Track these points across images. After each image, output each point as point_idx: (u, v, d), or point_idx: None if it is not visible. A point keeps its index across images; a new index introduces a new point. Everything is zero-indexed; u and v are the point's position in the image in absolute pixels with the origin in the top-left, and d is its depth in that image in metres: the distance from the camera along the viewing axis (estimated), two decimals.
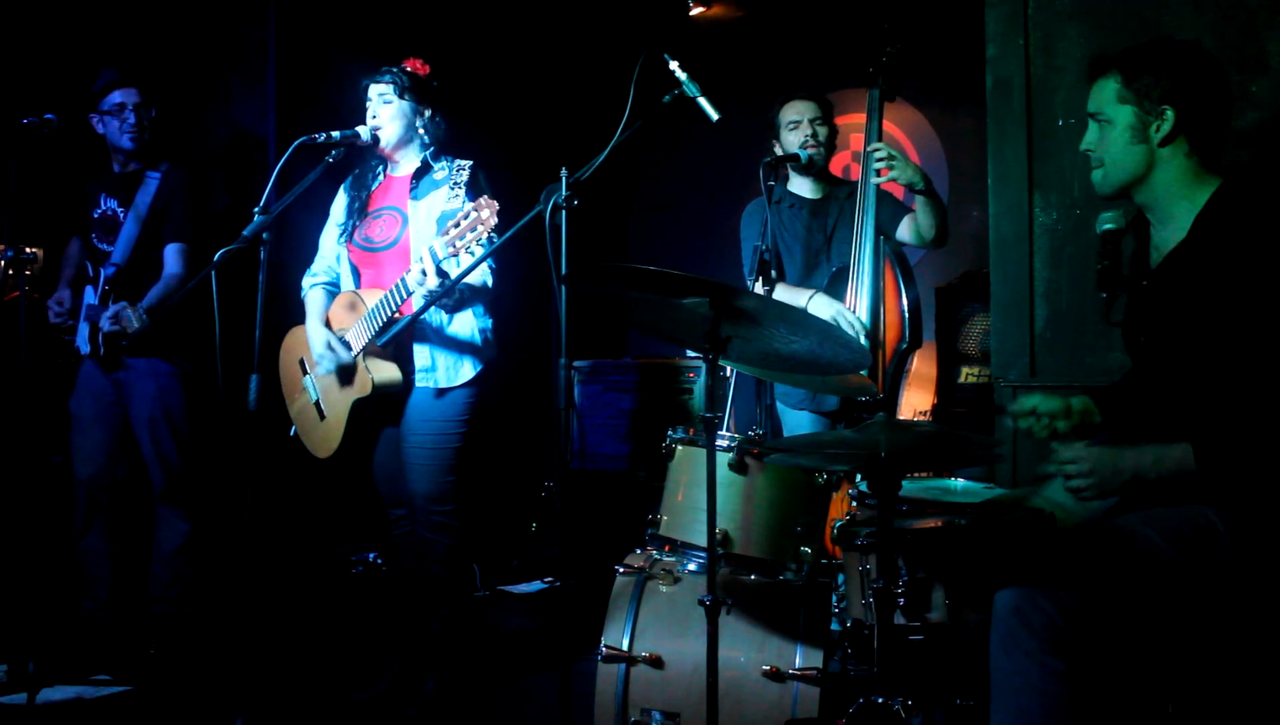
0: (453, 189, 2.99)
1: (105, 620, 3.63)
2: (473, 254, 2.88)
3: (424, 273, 2.88)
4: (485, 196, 2.84)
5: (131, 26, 4.23)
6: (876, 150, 3.32)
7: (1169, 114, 2.05)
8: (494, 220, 2.79)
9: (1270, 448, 1.90)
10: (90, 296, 3.60)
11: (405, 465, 3.17)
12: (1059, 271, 3.16)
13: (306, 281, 3.35)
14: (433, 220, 3.11)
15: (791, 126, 3.56)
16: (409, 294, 2.93)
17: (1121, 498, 2.17)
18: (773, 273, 3.36)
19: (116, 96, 3.56)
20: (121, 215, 3.61)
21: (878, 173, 3.31)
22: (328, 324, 3.20)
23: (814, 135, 3.53)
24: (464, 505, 3.20)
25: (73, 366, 3.67)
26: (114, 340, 3.49)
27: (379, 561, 4.54)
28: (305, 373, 3.30)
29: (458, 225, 2.82)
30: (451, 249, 2.83)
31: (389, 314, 2.98)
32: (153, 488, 3.66)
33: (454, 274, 2.88)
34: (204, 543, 3.69)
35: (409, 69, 3.19)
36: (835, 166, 3.88)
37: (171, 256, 3.60)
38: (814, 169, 3.59)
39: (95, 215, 3.64)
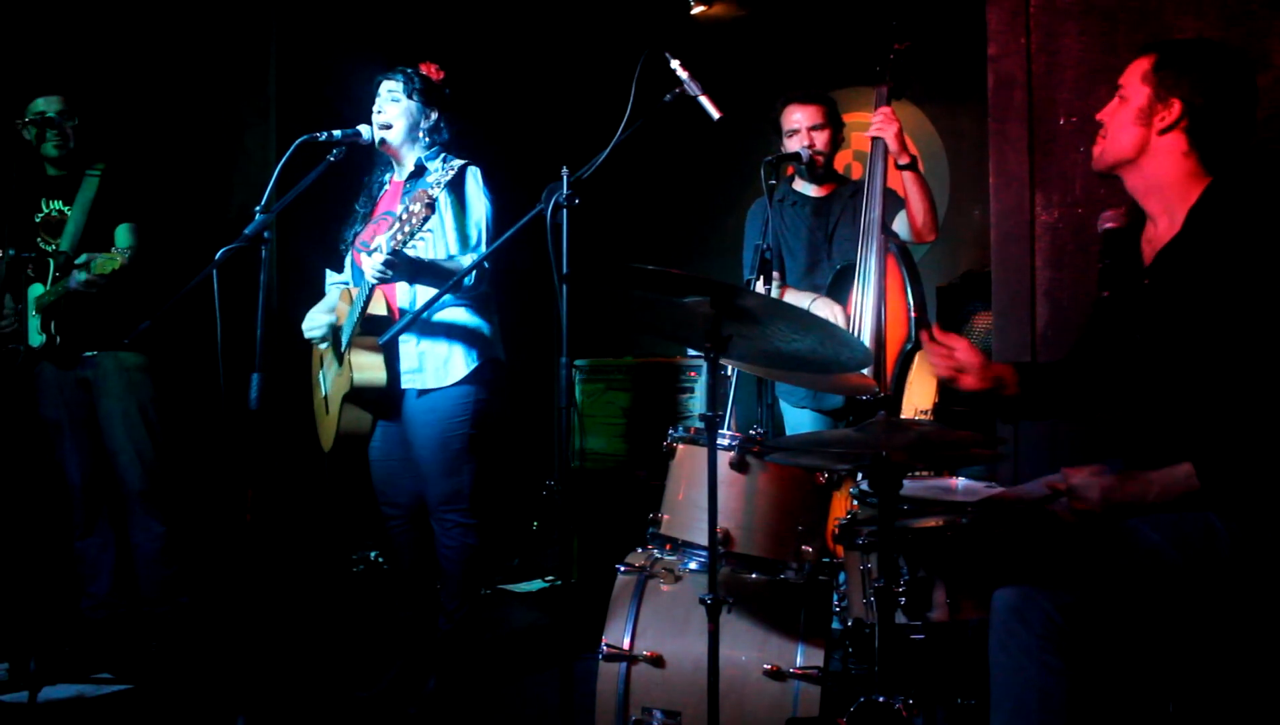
0: (433, 187, 3.00)
1: (105, 619, 3.64)
2: (415, 248, 2.92)
3: (369, 254, 2.94)
4: (423, 190, 2.85)
5: (92, 27, 4.20)
6: (882, 116, 3.31)
7: (1176, 107, 2.07)
8: (424, 211, 2.80)
9: (1268, 453, 1.90)
10: (39, 291, 3.55)
11: (417, 466, 3.18)
12: (1060, 270, 3.16)
13: (329, 280, 3.39)
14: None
15: (790, 134, 3.56)
16: (372, 285, 2.96)
17: None
18: (774, 272, 3.36)
19: (39, 105, 3.55)
20: (67, 212, 3.58)
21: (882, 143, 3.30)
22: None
23: (811, 144, 3.52)
24: (479, 503, 3.20)
25: (27, 370, 3.61)
26: (86, 297, 3.38)
27: (380, 560, 4.55)
28: (321, 367, 3.32)
29: (400, 219, 2.85)
30: (394, 242, 2.86)
31: (361, 305, 2.99)
32: (125, 488, 3.59)
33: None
34: (181, 542, 3.65)
35: (422, 71, 3.21)
36: (837, 165, 3.87)
37: (122, 233, 3.55)
38: (815, 172, 3.58)
39: (39, 219, 3.61)
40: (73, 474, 3.63)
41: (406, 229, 2.83)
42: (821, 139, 3.53)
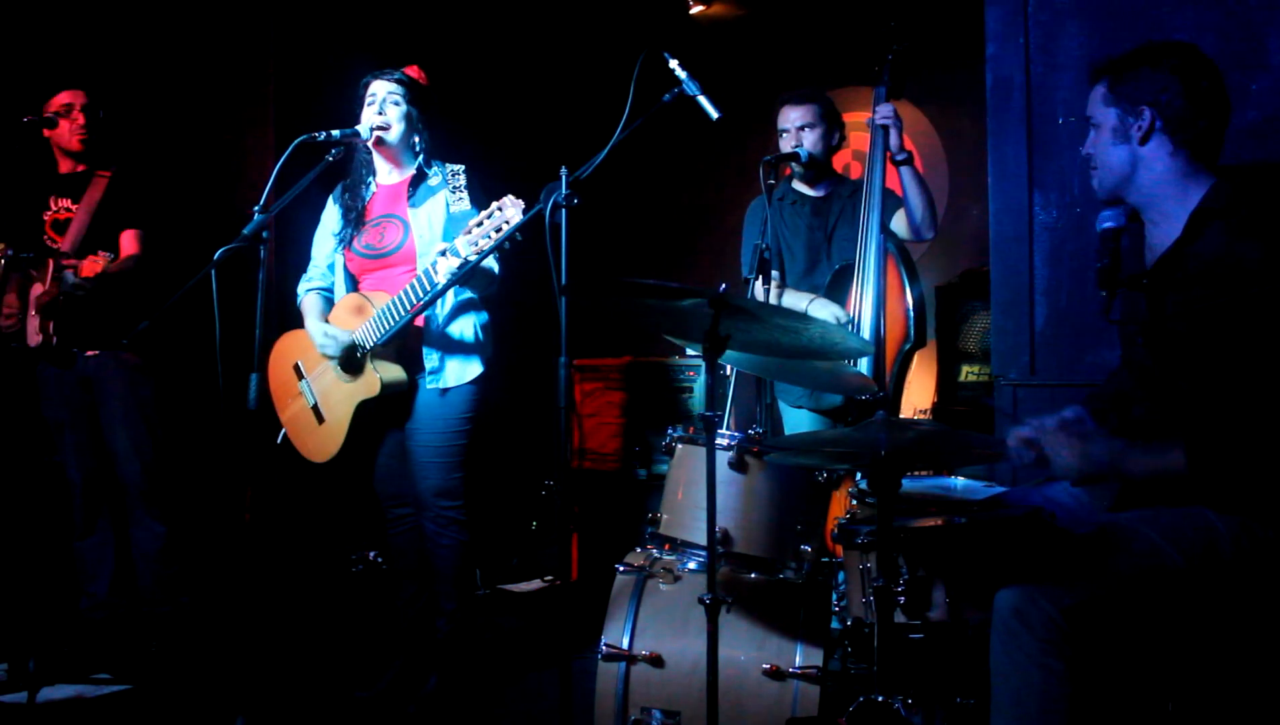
0: (454, 192, 3.05)
1: (104, 619, 3.64)
2: (496, 255, 2.94)
3: (442, 256, 2.93)
4: (510, 196, 2.87)
5: (95, 31, 4.21)
6: (885, 110, 3.28)
7: (1146, 113, 2.08)
8: (520, 217, 2.81)
9: (1263, 451, 1.90)
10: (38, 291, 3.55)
11: (414, 464, 3.19)
12: (1059, 270, 3.16)
13: (302, 287, 3.37)
14: (434, 225, 3.15)
15: (782, 133, 3.56)
16: (429, 288, 2.95)
17: (1120, 497, 2.18)
18: (774, 272, 3.35)
19: (64, 97, 3.56)
20: (74, 211, 3.59)
21: (882, 130, 3.29)
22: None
23: (799, 144, 3.51)
24: (471, 501, 3.22)
25: (28, 369, 3.61)
26: (73, 300, 3.40)
27: (379, 560, 4.54)
28: (301, 377, 3.30)
29: (480, 224, 2.86)
30: (474, 247, 2.87)
31: (404, 312, 3.00)
32: (126, 488, 3.60)
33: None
34: (182, 541, 3.65)
35: (411, 75, 3.23)
36: (837, 164, 3.87)
37: (127, 240, 3.57)
38: (808, 172, 3.58)
39: (46, 216, 3.62)
40: (73, 473, 3.63)
41: (494, 235, 2.83)
42: (810, 139, 3.53)
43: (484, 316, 3.26)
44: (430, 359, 3.16)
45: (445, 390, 3.17)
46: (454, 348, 3.18)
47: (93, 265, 3.33)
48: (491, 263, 3.10)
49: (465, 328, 3.21)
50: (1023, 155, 3.19)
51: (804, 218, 3.62)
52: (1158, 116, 2.08)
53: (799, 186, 3.67)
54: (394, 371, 3.12)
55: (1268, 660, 1.95)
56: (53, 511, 3.78)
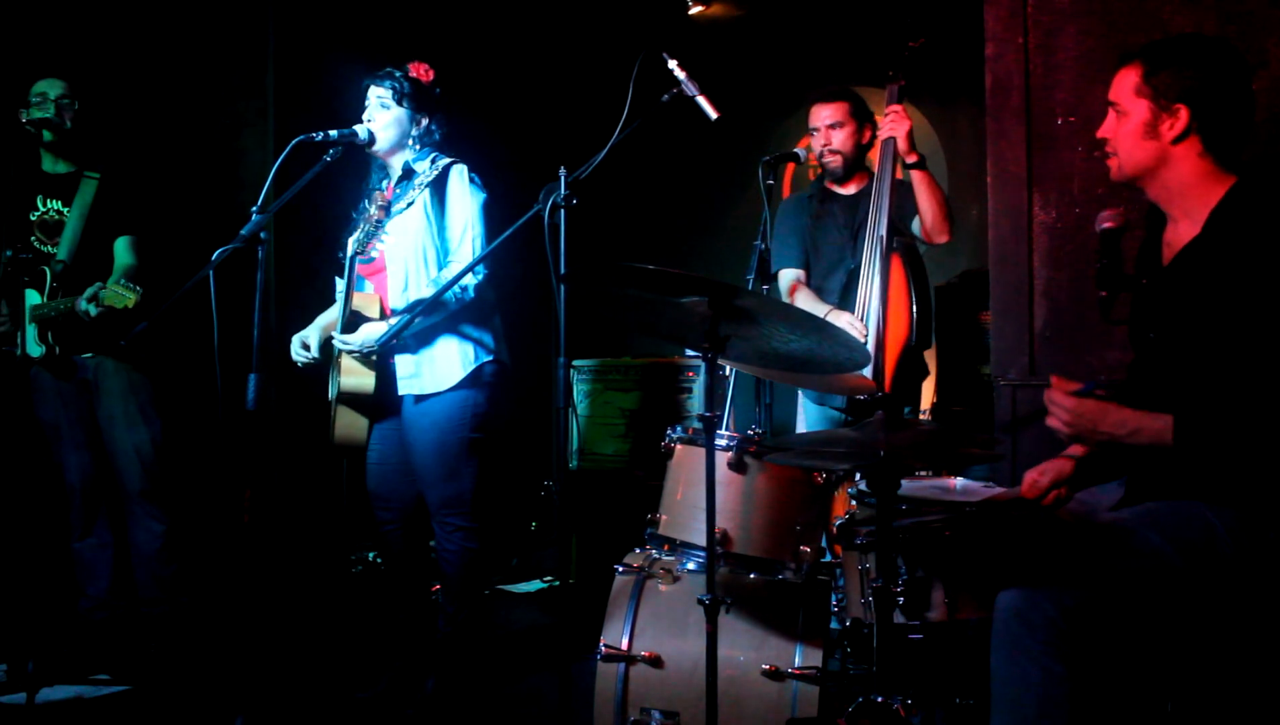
0: (418, 190, 2.99)
1: (103, 620, 3.63)
2: (375, 250, 3.00)
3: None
4: (380, 192, 2.93)
5: (89, 28, 4.20)
6: (893, 115, 3.27)
7: (1183, 113, 2.05)
8: (378, 215, 2.90)
9: (1260, 441, 1.89)
10: (34, 299, 3.51)
11: (412, 472, 3.19)
12: (1058, 270, 3.16)
13: (339, 288, 3.38)
14: (407, 230, 3.10)
15: (813, 133, 3.57)
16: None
17: (1123, 498, 2.17)
18: (799, 269, 3.34)
19: (40, 86, 3.53)
20: (65, 214, 3.56)
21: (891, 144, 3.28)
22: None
23: (828, 142, 3.51)
24: (480, 507, 3.20)
25: (23, 371, 3.60)
26: (95, 326, 3.36)
27: (379, 561, 4.54)
28: (331, 366, 3.33)
29: (365, 218, 2.92)
30: (355, 247, 2.94)
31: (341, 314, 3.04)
32: (125, 488, 3.59)
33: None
34: (181, 541, 3.65)
35: (412, 74, 3.17)
36: None
37: (122, 248, 3.54)
38: (834, 172, 3.57)
39: (34, 217, 3.59)
40: (71, 474, 3.63)
41: (366, 229, 2.86)
42: (839, 137, 3.52)
43: (471, 319, 3.15)
44: (404, 365, 3.11)
45: (431, 397, 3.12)
46: (432, 353, 3.12)
47: (119, 298, 3.25)
48: (416, 298, 3.06)
49: (447, 332, 3.13)
50: (1022, 155, 3.19)
51: (833, 217, 3.62)
52: (1194, 118, 2.04)
53: (830, 185, 3.67)
54: (356, 377, 3.08)
55: (1267, 661, 1.95)
56: (51, 512, 3.78)
